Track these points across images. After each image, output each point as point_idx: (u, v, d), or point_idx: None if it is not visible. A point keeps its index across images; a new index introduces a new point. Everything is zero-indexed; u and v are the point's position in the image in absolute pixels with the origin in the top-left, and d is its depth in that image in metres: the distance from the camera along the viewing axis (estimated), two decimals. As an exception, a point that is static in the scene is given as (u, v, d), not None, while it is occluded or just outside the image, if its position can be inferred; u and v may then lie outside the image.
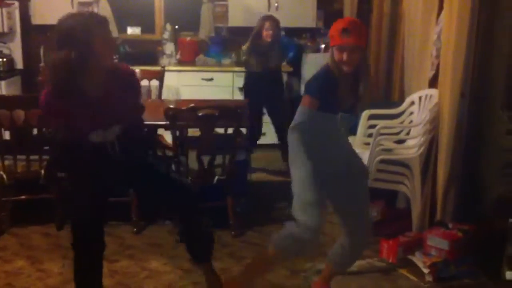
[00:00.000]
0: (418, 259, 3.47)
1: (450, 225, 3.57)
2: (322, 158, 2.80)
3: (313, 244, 2.86)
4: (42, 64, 5.91)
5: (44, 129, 3.86)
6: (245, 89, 5.57)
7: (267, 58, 5.28)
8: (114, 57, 2.64)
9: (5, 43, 6.20)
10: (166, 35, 6.43)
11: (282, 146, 5.37)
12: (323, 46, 6.35)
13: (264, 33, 5.18)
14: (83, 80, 2.45)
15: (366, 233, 3.01)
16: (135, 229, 4.00)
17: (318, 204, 2.77)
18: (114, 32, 6.35)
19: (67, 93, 2.45)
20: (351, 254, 3.04)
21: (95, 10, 6.29)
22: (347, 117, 3.01)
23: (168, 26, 6.42)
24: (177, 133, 3.85)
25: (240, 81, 6.09)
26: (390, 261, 3.55)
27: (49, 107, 2.53)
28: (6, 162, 3.88)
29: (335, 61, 2.77)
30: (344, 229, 2.99)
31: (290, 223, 2.85)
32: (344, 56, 2.73)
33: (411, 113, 4.12)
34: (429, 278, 3.34)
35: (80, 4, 6.24)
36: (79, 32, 2.37)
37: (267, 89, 5.32)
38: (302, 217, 2.77)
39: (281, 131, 5.35)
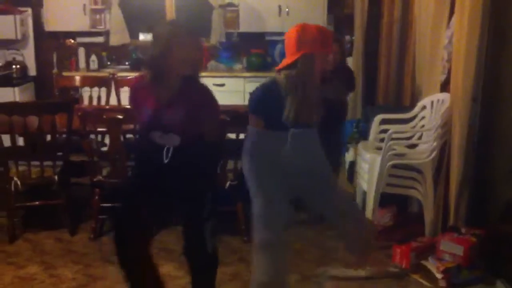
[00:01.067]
0: (431, 264, 3.45)
1: (463, 230, 3.55)
2: (276, 181, 2.72)
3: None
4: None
5: (57, 135, 3.90)
6: None
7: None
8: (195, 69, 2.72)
9: (18, 50, 6.27)
10: (177, 41, 6.44)
11: None
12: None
13: None
14: (163, 81, 2.63)
15: (361, 229, 2.86)
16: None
17: (269, 244, 2.72)
18: (126, 39, 6.41)
19: (150, 86, 2.64)
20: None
21: (107, 16, 6.36)
22: (299, 133, 2.68)
23: (179, 32, 6.44)
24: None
25: (251, 86, 6.09)
26: (403, 266, 3.53)
27: (133, 92, 2.78)
28: (20, 168, 3.92)
29: (311, 70, 2.65)
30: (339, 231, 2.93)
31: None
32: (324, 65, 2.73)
33: (423, 117, 4.10)
34: (442, 284, 3.32)
35: (93, 11, 6.30)
36: (163, 37, 2.61)
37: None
38: (257, 256, 2.76)
39: None
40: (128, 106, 3.03)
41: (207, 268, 2.92)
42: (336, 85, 3.80)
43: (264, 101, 2.72)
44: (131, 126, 3.76)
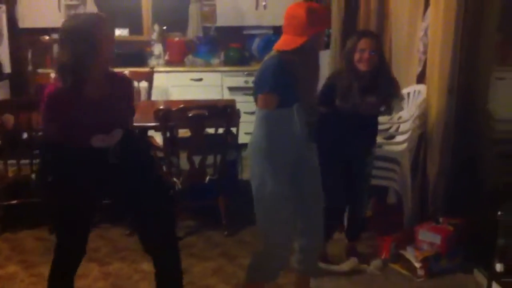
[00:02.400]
0: (410, 254, 3.49)
1: (441, 220, 3.60)
2: (288, 163, 2.70)
3: (283, 262, 2.83)
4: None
5: (34, 133, 3.86)
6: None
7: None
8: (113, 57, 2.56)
9: (-8, 47, 6.17)
10: (154, 36, 6.42)
11: (349, 232, 3.70)
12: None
13: (357, 56, 3.21)
14: (87, 80, 2.45)
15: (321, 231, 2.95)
16: (127, 232, 3.99)
17: (286, 222, 2.72)
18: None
19: (72, 92, 2.42)
20: (313, 254, 2.98)
21: (82, 12, 6.28)
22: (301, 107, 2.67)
23: (156, 27, 6.41)
24: (168, 134, 3.86)
25: (229, 81, 6.10)
26: (383, 257, 3.57)
27: (54, 101, 2.46)
28: (-3, 167, 3.88)
29: (317, 50, 2.66)
30: (302, 230, 2.88)
31: (255, 252, 2.87)
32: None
33: (400, 109, 4.14)
34: (421, 273, 3.37)
35: (67, 7, 6.22)
36: (82, 30, 2.38)
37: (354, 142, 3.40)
38: (268, 235, 2.75)
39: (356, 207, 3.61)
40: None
41: (175, 262, 2.84)
42: (378, 95, 3.24)
43: (277, 79, 2.60)
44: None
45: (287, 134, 2.67)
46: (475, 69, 3.67)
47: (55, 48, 6.25)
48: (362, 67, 3.17)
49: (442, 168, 3.70)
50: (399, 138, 3.94)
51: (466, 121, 3.74)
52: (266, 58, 2.71)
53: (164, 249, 2.76)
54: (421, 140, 3.88)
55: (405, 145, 3.81)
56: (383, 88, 3.23)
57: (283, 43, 2.64)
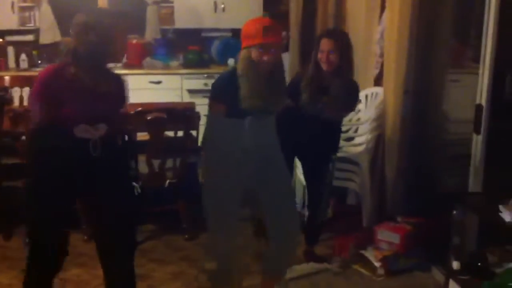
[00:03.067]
0: (369, 253, 3.54)
1: (399, 219, 3.66)
2: (234, 171, 2.77)
3: (226, 270, 2.88)
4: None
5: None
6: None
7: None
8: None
9: None
10: (112, 38, 6.32)
11: (308, 237, 3.65)
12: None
13: (319, 56, 3.22)
14: (90, 70, 2.50)
15: (294, 234, 3.00)
16: (85, 237, 3.92)
17: (222, 230, 2.80)
18: (57, 36, 6.22)
19: (69, 76, 2.47)
20: (283, 257, 3.03)
21: (37, 14, 6.15)
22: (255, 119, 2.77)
23: (113, 29, 6.31)
24: (126, 137, 3.79)
25: (188, 84, 6.07)
26: (343, 257, 3.60)
27: (46, 82, 2.49)
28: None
29: (253, 61, 2.67)
30: (272, 233, 2.94)
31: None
32: (266, 56, 2.66)
33: (358, 110, 4.20)
34: (380, 272, 3.42)
35: (21, 8, 6.07)
36: (108, 26, 2.51)
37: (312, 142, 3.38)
38: (209, 244, 2.85)
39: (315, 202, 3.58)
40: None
41: (129, 258, 2.82)
42: (335, 98, 3.19)
43: (225, 88, 2.74)
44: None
45: (230, 143, 2.77)
46: (430, 72, 3.76)
47: (9, 50, 6.12)
48: (324, 66, 3.20)
49: (400, 168, 3.77)
50: (358, 139, 3.99)
51: (422, 123, 3.82)
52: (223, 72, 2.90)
53: (120, 253, 2.75)
54: (379, 141, 3.94)
55: (363, 146, 3.86)
56: (337, 88, 3.19)
57: None
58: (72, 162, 2.52)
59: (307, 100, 3.20)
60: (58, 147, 2.50)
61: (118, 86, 2.71)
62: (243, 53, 2.72)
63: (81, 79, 2.48)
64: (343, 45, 3.24)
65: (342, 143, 3.98)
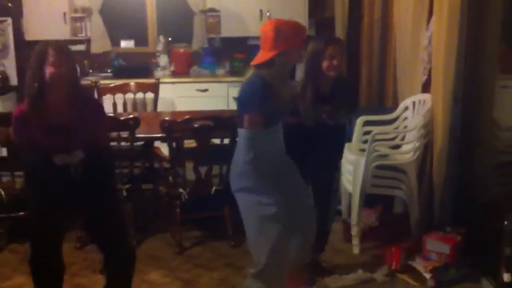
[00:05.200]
0: (418, 264, 3.48)
1: (448, 229, 3.59)
2: (275, 177, 2.79)
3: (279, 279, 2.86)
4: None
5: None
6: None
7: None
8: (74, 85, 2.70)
9: (-1, 59, 6.21)
10: (160, 47, 6.45)
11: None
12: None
13: (326, 63, 3.16)
14: (47, 104, 2.59)
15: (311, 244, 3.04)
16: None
17: (278, 241, 2.76)
18: (108, 46, 6.39)
19: (37, 111, 2.58)
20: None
21: (88, 24, 6.33)
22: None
23: (162, 38, 6.45)
24: (173, 145, 3.86)
25: (234, 91, 6.10)
26: (394, 267, 3.55)
27: (19, 123, 2.65)
28: (4, 179, 3.89)
29: (288, 67, 2.75)
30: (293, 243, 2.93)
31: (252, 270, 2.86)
32: (302, 58, 2.79)
33: (405, 118, 4.15)
34: (431, 283, 3.35)
35: (73, 19, 6.27)
36: (34, 60, 2.56)
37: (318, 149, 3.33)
38: (259, 254, 2.80)
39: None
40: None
41: (128, 273, 3.00)
42: (338, 104, 3.21)
43: (264, 99, 2.70)
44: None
45: (273, 153, 2.80)
46: (480, 78, 3.67)
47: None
48: (331, 73, 3.14)
49: (448, 176, 3.69)
50: (405, 147, 3.93)
51: (471, 130, 3.74)
52: (245, 79, 2.82)
53: (119, 259, 2.92)
54: (427, 149, 3.87)
55: (411, 154, 3.80)
56: (345, 92, 3.26)
57: (256, 58, 2.79)
58: (58, 186, 2.70)
59: (313, 111, 3.16)
60: (44, 174, 2.70)
61: (90, 109, 2.76)
62: (283, 57, 2.70)
63: (41, 113, 2.60)
64: (343, 50, 3.31)
65: (388, 150, 3.95)
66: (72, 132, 2.64)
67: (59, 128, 2.62)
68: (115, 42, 6.53)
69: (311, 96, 3.15)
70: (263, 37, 2.76)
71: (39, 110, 2.59)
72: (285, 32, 2.70)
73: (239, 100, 2.80)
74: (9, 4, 6.21)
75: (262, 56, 2.74)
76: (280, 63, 2.71)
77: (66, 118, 2.62)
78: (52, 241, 2.86)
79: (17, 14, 6.20)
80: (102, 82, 5.59)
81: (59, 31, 6.13)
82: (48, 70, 2.53)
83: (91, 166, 2.73)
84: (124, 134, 3.74)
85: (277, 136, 2.82)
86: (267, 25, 2.78)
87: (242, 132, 2.76)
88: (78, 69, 2.80)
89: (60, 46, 2.63)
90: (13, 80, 6.30)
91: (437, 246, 3.48)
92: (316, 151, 3.26)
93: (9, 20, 6.17)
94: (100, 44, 6.37)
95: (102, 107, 2.89)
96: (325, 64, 3.12)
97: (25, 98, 2.65)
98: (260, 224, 2.78)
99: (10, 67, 6.27)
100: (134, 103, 5.21)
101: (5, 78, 6.20)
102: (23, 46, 6.32)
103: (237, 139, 2.90)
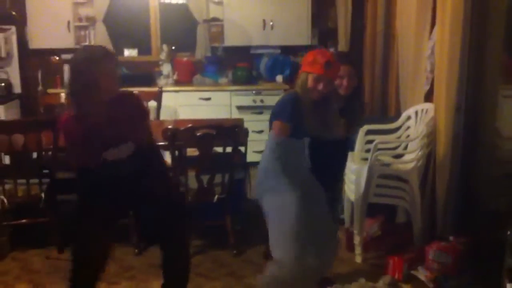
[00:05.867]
0: (421, 273, 3.47)
1: (451, 238, 3.58)
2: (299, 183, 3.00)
3: (301, 279, 2.93)
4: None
5: (43, 152, 3.88)
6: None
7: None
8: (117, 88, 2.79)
9: (2, 67, 6.24)
10: (163, 56, 6.48)
11: None
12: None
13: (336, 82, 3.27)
14: (94, 105, 2.67)
15: (333, 252, 3.19)
16: (136, 250, 3.99)
17: (298, 236, 2.88)
18: (111, 55, 6.42)
19: (82, 117, 2.68)
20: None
21: (92, 33, 6.36)
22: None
23: (165, 47, 6.48)
24: (176, 153, 3.87)
25: (237, 100, 6.14)
26: (396, 277, 3.53)
27: (68, 129, 2.77)
28: (7, 187, 3.90)
29: (307, 88, 2.96)
30: (311, 250, 2.99)
31: (271, 263, 2.94)
32: (321, 86, 2.95)
33: (408, 127, 4.15)
34: (433, 293, 3.34)
35: (77, 27, 6.30)
36: (88, 64, 2.61)
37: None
38: (280, 252, 2.90)
39: None
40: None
41: (186, 271, 3.11)
42: (349, 119, 3.35)
43: (295, 111, 2.97)
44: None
45: (295, 162, 3.05)
46: (482, 87, 3.67)
47: (65, 68, 6.33)
48: (341, 92, 3.34)
49: (451, 186, 3.68)
50: (408, 156, 3.93)
51: (473, 140, 3.73)
52: (286, 92, 3.21)
53: (171, 242, 3.02)
54: (429, 158, 3.87)
55: (413, 163, 3.80)
56: (354, 108, 3.45)
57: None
58: (110, 182, 2.79)
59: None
60: (98, 174, 2.78)
61: (132, 104, 2.86)
62: (302, 76, 3.01)
63: (87, 115, 2.69)
64: (354, 71, 3.43)
65: (391, 160, 3.94)
66: (117, 126, 2.72)
67: (105, 125, 2.69)
68: (119, 51, 6.55)
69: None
70: None
71: (86, 113, 2.68)
72: (307, 57, 3.02)
73: (274, 109, 3.12)
74: (13, 13, 6.25)
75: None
76: (299, 80, 3.02)
77: (107, 117, 2.70)
78: (100, 240, 2.91)
79: (21, 23, 6.24)
80: (105, 90, 5.59)
81: (63, 40, 6.17)
82: (103, 78, 2.62)
83: (141, 158, 2.82)
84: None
85: (300, 150, 3.07)
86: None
87: (271, 136, 3.09)
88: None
89: (110, 52, 2.79)
90: (17, 88, 6.34)
91: (439, 256, 3.47)
92: (328, 163, 3.33)
93: (13, 29, 6.22)
94: (104, 53, 6.39)
95: (139, 99, 2.96)
96: (336, 82, 3.27)
97: (69, 100, 2.81)
98: (287, 222, 2.94)
99: (14, 75, 6.31)
100: (137, 111, 5.21)
101: (9, 86, 6.23)
102: (27, 55, 6.38)
103: (266, 142, 3.19)
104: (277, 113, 3.05)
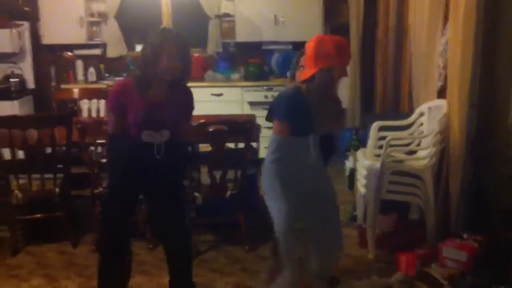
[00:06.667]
0: (435, 271, 3.45)
1: (465, 236, 3.55)
2: (296, 185, 2.91)
3: (296, 273, 2.95)
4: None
5: (57, 147, 3.91)
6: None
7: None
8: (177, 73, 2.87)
9: (16, 63, 6.28)
10: (175, 51, 6.48)
11: None
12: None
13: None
14: (152, 82, 2.81)
15: (335, 257, 3.16)
16: (151, 246, 4.01)
17: (293, 233, 2.90)
18: (123, 50, 6.44)
19: (137, 88, 2.81)
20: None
21: (104, 28, 6.39)
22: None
23: (177, 43, 6.47)
24: (189, 148, 3.88)
25: (249, 96, 6.14)
26: (409, 274, 3.51)
27: (119, 93, 2.86)
28: (21, 181, 3.93)
29: (332, 83, 2.82)
30: (315, 252, 3.04)
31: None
32: (344, 75, 2.81)
33: (421, 124, 4.13)
34: (448, 290, 3.32)
35: (89, 23, 6.32)
36: (154, 44, 2.78)
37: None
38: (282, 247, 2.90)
39: None
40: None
41: (187, 256, 3.14)
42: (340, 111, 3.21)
43: (292, 108, 2.81)
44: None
45: (297, 162, 2.88)
46: (496, 84, 3.65)
47: (78, 64, 6.37)
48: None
49: (465, 183, 3.67)
50: (421, 153, 3.92)
51: (487, 137, 3.71)
52: (285, 88, 2.95)
53: (176, 236, 3.07)
54: (443, 155, 3.85)
55: (427, 160, 3.78)
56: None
57: (301, 74, 2.86)
58: (139, 162, 2.87)
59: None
60: (129, 149, 2.86)
61: (183, 97, 2.96)
62: (324, 73, 2.77)
63: (144, 91, 2.80)
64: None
65: (404, 156, 3.93)
66: (164, 112, 2.82)
67: (153, 107, 2.80)
68: (131, 47, 6.58)
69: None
70: (306, 54, 2.82)
71: (143, 88, 2.80)
72: (326, 50, 2.75)
73: (271, 105, 2.96)
74: (26, 9, 6.29)
75: (305, 73, 2.83)
76: (320, 79, 2.79)
77: (162, 99, 2.82)
78: (122, 220, 3.00)
79: (34, 18, 6.28)
80: (118, 86, 5.62)
81: (76, 35, 6.21)
82: (164, 63, 2.75)
83: (172, 149, 2.88)
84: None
85: (305, 147, 2.86)
86: (310, 42, 2.83)
87: (271, 135, 2.95)
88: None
89: (183, 36, 2.86)
90: (30, 84, 6.38)
91: (454, 254, 3.45)
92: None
93: (26, 24, 6.26)
94: (116, 49, 6.42)
95: (191, 94, 3.03)
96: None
97: (131, 74, 2.96)
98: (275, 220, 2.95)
99: (27, 70, 6.34)
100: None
101: (22, 81, 6.27)
102: (40, 50, 6.41)
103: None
104: (274, 112, 2.91)
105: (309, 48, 2.80)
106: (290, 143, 2.87)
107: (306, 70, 2.82)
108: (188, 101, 3.00)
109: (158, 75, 2.79)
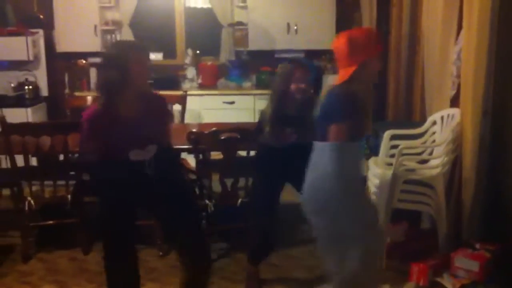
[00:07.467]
0: (446, 281, 3.42)
1: (477, 245, 3.52)
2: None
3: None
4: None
5: (70, 154, 3.94)
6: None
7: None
8: (148, 81, 2.86)
9: (30, 70, 6.34)
10: (188, 60, 6.52)
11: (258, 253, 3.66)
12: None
13: (293, 86, 3.33)
14: (122, 101, 2.71)
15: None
16: (160, 253, 4.01)
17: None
18: (137, 58, 6.47)
19: (110, 112, 2.70)
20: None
21: (118, 36, 6.44)
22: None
23: (190, 51, 6.52)
24: (200, 156, 3.89)
25: (261, 104, 6.13)
26: (421, 284, 3.49)
27: (92, 125, 2.74)
28: (34, 188, 3.96)
29: (375, 74, 2.63)
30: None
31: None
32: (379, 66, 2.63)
33: (434, 132, 4.10)
34: (459, 300, 3.29)
35: (104, 31, 6.37)
36: (119, 58, 2.65)
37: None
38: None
39: None
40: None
41: (207, 266, 3.08)
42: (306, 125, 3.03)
43: (351, 108, 2.53)
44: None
45: (357, 168, 2.64)
46: (509, 92, 3.62)
47: (92, 71, 6.41)
48: (298, 96, 3.28)
49: (478, 192, 3.63)
50: (433, 162, 3.89)
51: (500, 145, 3.68)
52: (327, 90, 2.67)
53: (192, 245, 2.98)
54: (455, 164, 3.82)
55: (439, 169, 3.75)
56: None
57: (338, 78, 2.61)
58: (132, 181, 2.80)
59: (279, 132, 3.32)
60: (120, 172, 2.78)
61: (158, 104, 2.90)
62: (370, 64, 2.57)
63: (116, 111, 2.70)
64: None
65: (416, 165, 3.90)
66: (145, 128, 2.75)
67: (133, 125, 2.72)
68: (144, 54, 6.61)
69: (276, 117, 3.34)
70: (338, 54, 2.60)
71: (115, 111, 2.70)
72: (360, 42, 2.55)
73: (322, 113, 2.62)
74: (41, 16, 6.35)
75: (343, 74, 2.57)
76: (364, 75, 2.58)
77: (139, 115, 2.74)
78: (126, 239, 2.96)
79: (48, 26, 6.35)
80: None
81: (90, 43, 6.25)
82: (133, 67, 2.64)
83: (162, 160, 2.85)
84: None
85: (360, 155, 2.72)
86: (339, 40, 2.60)
87: (328, 146, 2.55)
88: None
89: (141, 44, 2.85)
90: (44, 91, 6.43)
91: (466, 263, 3.42)
92: (289, 169, 3.27)
93: (41, 32, 6.32)
94: (129, 57, 6.45)
95: (165, 99, 2.99)
96: (293, 87, 3.28)
97: (98, 97, 2.78)
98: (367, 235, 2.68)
99: (41, 78, 6.40)
100: (162, 114, 5.26)
101: (36, 88, 6.33)
102: (54, 58, 6.47)
103: (312, 154, 2.66)
104: (330, 116, 2.54)
105: (341, 45, 2.56)
106: (351, 149, 2.55)
107: (343, 71, 2.57)
108: (164, 107, 2.97)
109: (130, 90, 2.68)
